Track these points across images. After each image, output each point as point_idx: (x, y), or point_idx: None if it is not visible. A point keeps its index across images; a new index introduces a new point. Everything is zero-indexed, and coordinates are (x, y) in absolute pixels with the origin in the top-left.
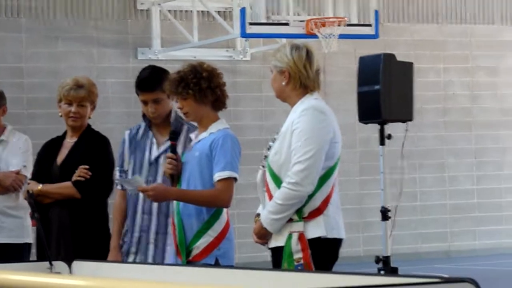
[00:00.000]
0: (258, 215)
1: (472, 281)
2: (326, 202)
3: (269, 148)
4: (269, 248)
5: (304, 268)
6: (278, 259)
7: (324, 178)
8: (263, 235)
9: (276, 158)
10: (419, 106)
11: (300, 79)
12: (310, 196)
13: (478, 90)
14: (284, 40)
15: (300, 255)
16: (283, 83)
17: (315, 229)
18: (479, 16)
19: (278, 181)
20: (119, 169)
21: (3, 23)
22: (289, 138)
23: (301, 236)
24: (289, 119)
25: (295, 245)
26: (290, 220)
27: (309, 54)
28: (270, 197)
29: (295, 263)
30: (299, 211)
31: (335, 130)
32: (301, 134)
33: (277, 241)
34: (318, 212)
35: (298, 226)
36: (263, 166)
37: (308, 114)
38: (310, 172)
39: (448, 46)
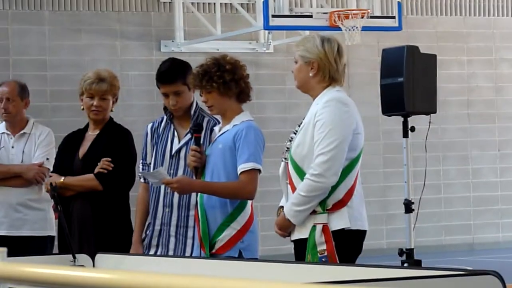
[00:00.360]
0: (281, 207)
1: (495, 273)
2: (349, 193)
3: (290, 140)
4: (292, 241)
5: (328, 260)
6: (301, 252)
7: (347, 170)
8: (286, 227)
9: (299, 150)
10: (443, 98)
11: (330, 71)
12: (334, 188)
13: (502, 82)
14: (307, 32)
15: (324, 247)
16: (310, 74)
17: (339, 221)
18: (502, 8)
19: (301, 173)
20: (142, 162)
21: (26, 16)
22: (312, 130)
23: (325, 228)
24: (311, 111)
25: (319, 237)
26: (314, 212)
27: (339, 48)
28: (293, 189)
29: (319, 255)
30: (322, 203)
31: (357, 122)
32: (324, 125)
33: (300, 233)
34: (341, 203)
35: (321, 218)
36: (285, 159)
37: (331, 105)
38: (333, 163)
39: (471, 38)
